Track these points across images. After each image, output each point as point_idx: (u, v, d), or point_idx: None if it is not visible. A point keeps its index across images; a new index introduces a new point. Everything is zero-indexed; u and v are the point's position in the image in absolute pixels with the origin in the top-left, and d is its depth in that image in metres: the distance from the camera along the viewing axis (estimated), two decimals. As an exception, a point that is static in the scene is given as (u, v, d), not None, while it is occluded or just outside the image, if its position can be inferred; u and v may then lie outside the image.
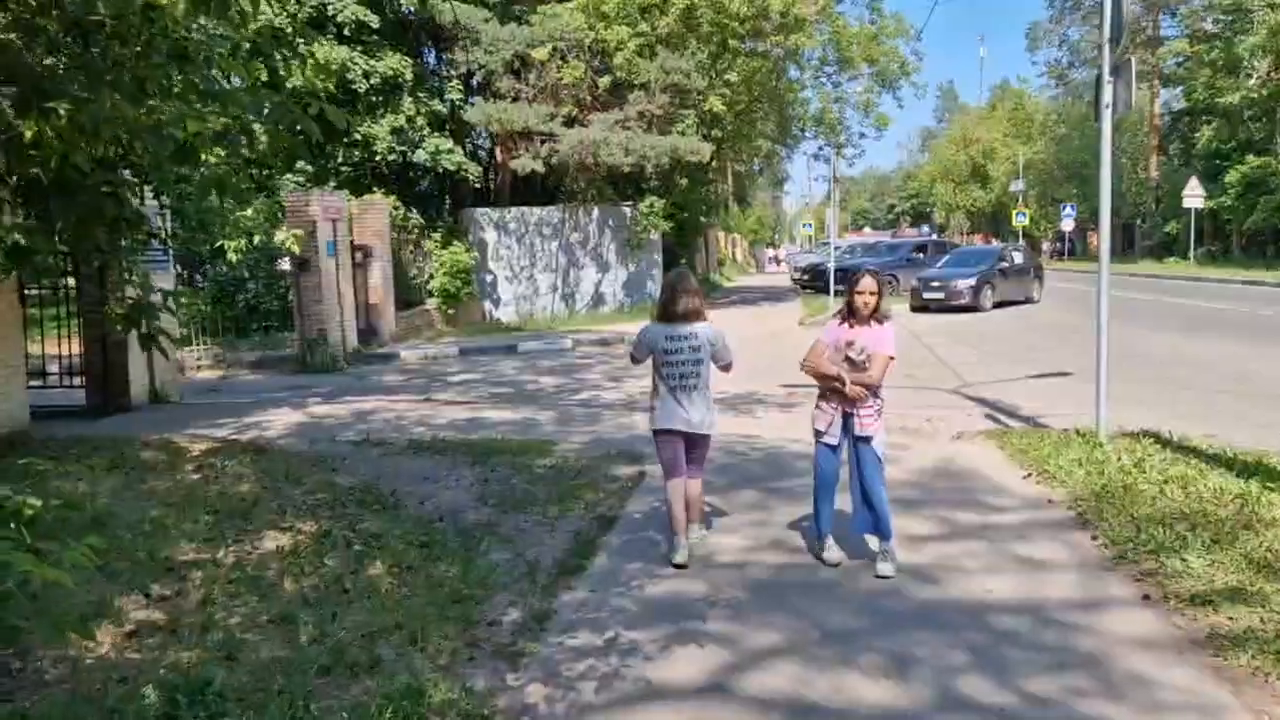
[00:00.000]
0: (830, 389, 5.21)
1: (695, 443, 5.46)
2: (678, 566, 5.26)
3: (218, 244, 10.86)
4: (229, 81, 3.37)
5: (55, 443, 8.73)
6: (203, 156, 3.00)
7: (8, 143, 2.93)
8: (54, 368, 11.55)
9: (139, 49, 3.14)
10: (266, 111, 2.72)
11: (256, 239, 9.50)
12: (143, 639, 4.37)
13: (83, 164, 2.86)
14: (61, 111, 2.50)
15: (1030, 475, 6.96)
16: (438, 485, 7.18)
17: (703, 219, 29.39)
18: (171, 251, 11.42)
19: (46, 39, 3.02)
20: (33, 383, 10.97)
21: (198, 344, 16.24)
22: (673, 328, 5.34)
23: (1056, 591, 4.74)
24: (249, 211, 9.41)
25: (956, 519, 6.02)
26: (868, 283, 5.16)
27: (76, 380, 11.16)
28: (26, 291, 10.23)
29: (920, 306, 22.38)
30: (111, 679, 3.94)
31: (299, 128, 3.01)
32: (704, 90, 22.52)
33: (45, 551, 2.89)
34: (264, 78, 3.27)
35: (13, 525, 2.97)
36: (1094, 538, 5.51)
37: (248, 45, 3.28)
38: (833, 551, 5.28)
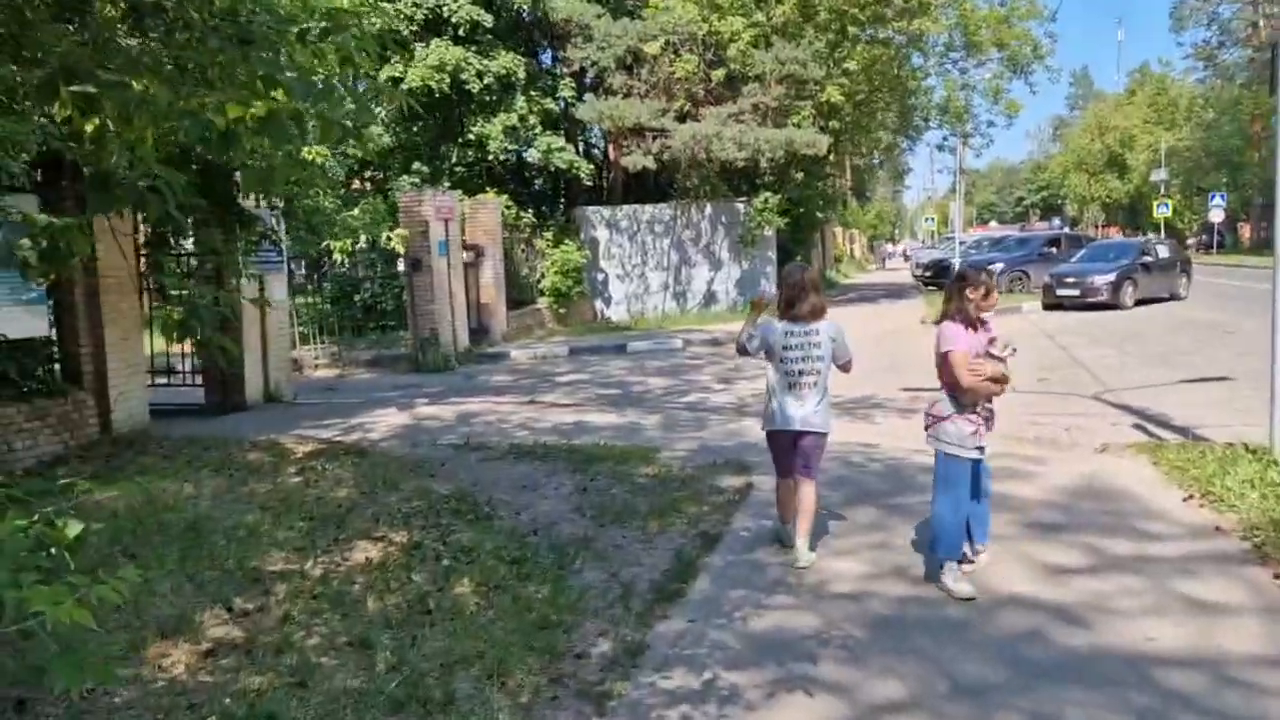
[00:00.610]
0: (985, 395, 4.83)
1: (810, 443, 5.26)
2: (785, 546, 5.35)
3: (323, 244, 10.84)
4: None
5: (170, 442, 8.83)
6: (247, 145, 2.68)
7: (70, 135, 2.72)
8: (187, 365, 11.76)
9: (198, 35, 2.89)
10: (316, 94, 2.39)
11: (363, 239, 9.40)
12: (218, 659, 4.16)
13: (146, 157, 2.61)
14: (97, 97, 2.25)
15: (1192, 497, 6.16)
16: (535, 494, 6.87)
17: (819, 214, 28.52)
18: (286, 252, 11.52)
19: (95, 21, 2.79)
20: (161, 381, 11.25)
21: (316, 343, 16.52)
22: (794, 324, 5.20)
23: (1236, 642, 4.05)
24: (355, 211, 9.32)
25: (1106, 548, 5.33)
26: (988, 282, 4.84)
27: (199, 379, 11.38)
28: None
29: (1053, 304, 21.09)
30: (180, 705, 3.72)
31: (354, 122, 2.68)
32: (821, 80, 21.76)
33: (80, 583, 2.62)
34: (335, 65, 2.96)
35: (51, 551, 2.72)
36: (1276, 576, 4.76)
37: (317, 27, 2.97)
38: (963, 584, 4.70)
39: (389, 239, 9.47)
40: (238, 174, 8.94)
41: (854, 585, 4.91)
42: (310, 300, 17.93)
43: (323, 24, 3.01)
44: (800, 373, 5.16)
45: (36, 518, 2.78)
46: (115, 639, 4.27)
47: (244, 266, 8.57)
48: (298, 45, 2.98)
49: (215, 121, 2.36)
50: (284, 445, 8.59)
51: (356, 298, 18.59)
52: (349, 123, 2.50)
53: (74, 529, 2.72)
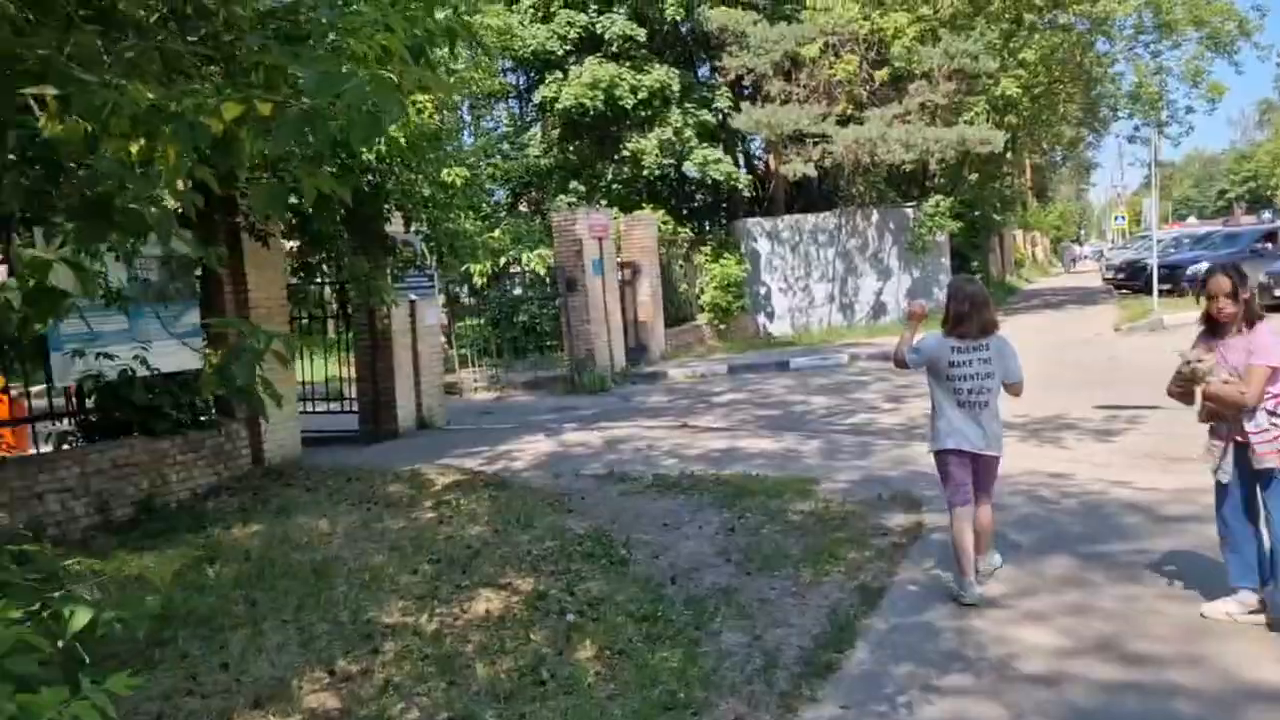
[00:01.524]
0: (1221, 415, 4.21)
1: (983, 465, 4.98)
2: (965, 604, 4.73)
3: (464, 268, 10.67)
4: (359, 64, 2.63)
5: (318, 473, 8.77)
6: (249, 150, 2.23)
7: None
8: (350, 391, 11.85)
9: (234, 36, 2.50)
10: (346, 89, 1.91)
11: (503, 261, 9.13)
12: (311, 732, 3.77)
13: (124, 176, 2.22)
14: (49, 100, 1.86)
15: None
16: (677, 533, 6.27)
17: (996, 217, 26.75)
18: (438, 276, 11.44)
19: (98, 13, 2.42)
20: (322, 408, 11.36)
21: (475, 366, 16.57)
22: (961, 341, 4.89)
23: None
24: (496, 233, 9.05)
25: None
26: (1219, 283, 4.16)
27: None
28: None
29: (1274, 305, 18.76)
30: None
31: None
32: (995, 73, 20.28)
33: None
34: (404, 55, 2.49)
35: (59, 644, 2.32)
36: None
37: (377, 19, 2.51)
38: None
39: (531, 260, 9.13)
40: (387, 203, 8.85)
41: (1048, 663, 4.03)
42: (471, 322, 18.12)
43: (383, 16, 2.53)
44: (969, 391, 4.87)
45: (40, 605, 2.40)
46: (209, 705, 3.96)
47: (388, 293, 8.41)
48: (352, 39, 2.51)
49: (209, 125, 1.90)
50: (425, 476, 8.35)
51: (516, 318, 18.67)
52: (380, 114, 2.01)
53: (82, 618, 2.32)
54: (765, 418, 11.04)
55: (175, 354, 8.48)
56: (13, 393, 8.31)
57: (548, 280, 16.19)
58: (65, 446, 7.88)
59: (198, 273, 8.82)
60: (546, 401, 14.34)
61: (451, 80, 8.78)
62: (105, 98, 1.83)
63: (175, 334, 8.49)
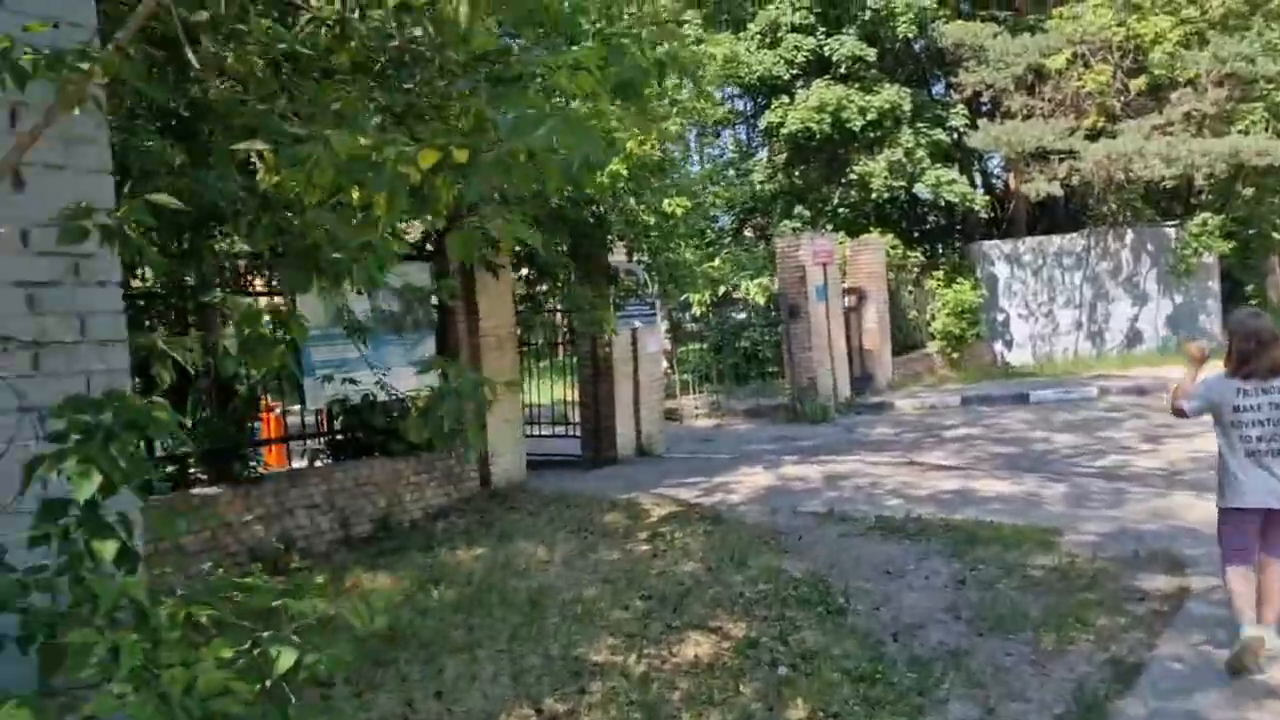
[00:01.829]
0: None
1: (1274, 521, 4.40)
2: (1234, 671, 4.15)
3: (682, 297, 10.66)
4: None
5: (540, 497, 8.98)
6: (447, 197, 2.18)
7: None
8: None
9: (446, 81, 2.51)
10: (541, 132, 1.82)
11: (722, 289, 9.04)
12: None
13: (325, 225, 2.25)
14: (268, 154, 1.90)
15: None
16: (901, 583, 5.87)
17: (1276, 235, 23.89)
18: (659, 304, 11.52)
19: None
20: (551, 431, 11.70)
21: (696, 392, 16.59)
22: (1247, 383, 4.40)
23: None
24: (716, 262, 8.97)
25: None
26: None
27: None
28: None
29: None
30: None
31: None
32: (1275, 77, 18.14)
33: None
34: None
35: (266, 684, 2.36)
36: None
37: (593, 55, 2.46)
38: None
39: (750, 290, 8.99)
40: (611, 233, 9.00)
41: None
42: (693, 348, 18.20)
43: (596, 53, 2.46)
44: (1258, 439, 4.36)
45: (250, 643, 2.45)
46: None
47: (609, 321, 8.51)
48: (565, 77, 2.45)
49: (408, 174, 1.88)
50: (642, 506, 8.34)
51: (738, 344, 18.57)
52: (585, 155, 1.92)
53: (287, 659, 2.34)
54: (1002, 456, 10.28)
55: (412, 379, 8.97)
56: (275, 411, 9.05)
57: (770, 306, 15.99)
58: (316, 464, 8.50)
59: (434, 303, 9.29)
60: (767, 430, 14.09)
61: (674, 110, 8.82)
62: (310, 150, 1.84)
63: (412, 361, 8.99)
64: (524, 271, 8.96)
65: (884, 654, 4.70)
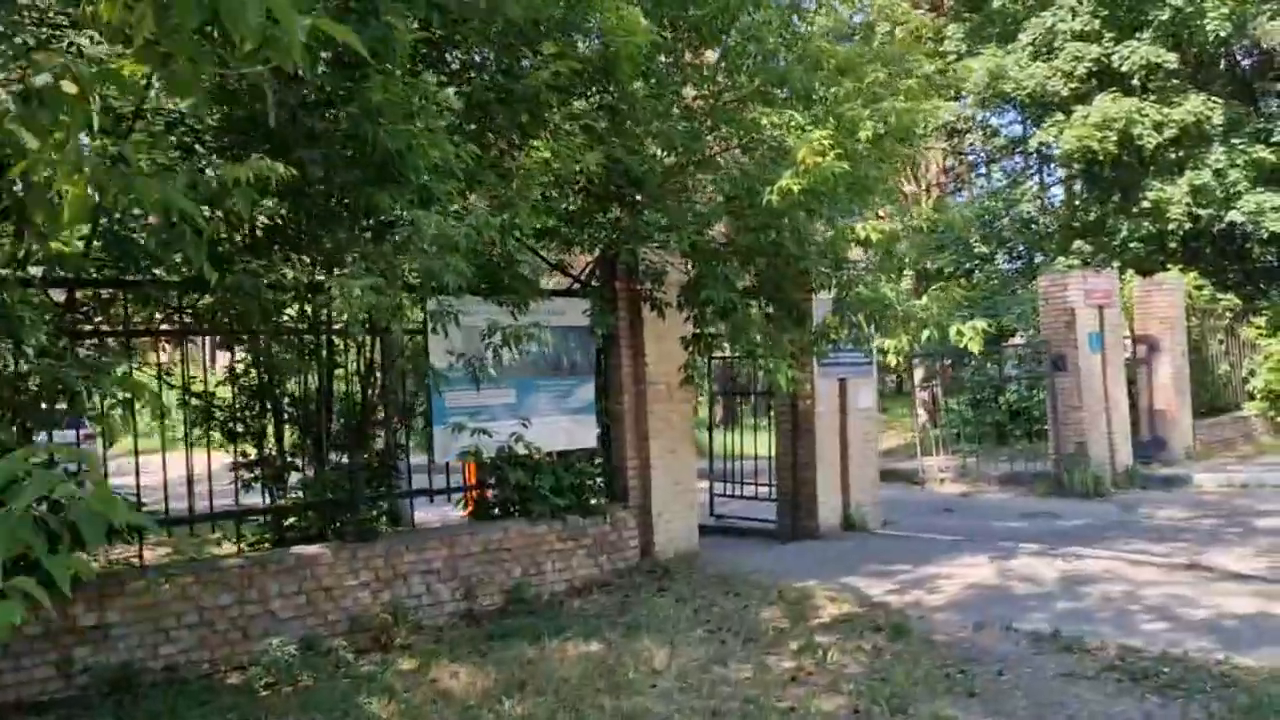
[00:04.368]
0: None
1: None
2: None
3: (875, 343, 8.89)
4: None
5: (703, 576, 7.65)
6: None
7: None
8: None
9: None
10: None
11: (926, 334, 7.27)
12: None
13: None
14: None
15: None
16: (1131, 773, 3.96)
17: None
18: (875, 352, 9.80)
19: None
20: (754, 493, 10.27)
21: (946, 451, 14.45)
22: None
23: None
24: (923, 300, 7.24)
25: None
26: None
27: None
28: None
29: None
30: None
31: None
32: None
33: None
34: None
35: None
36: None
37: None
38: None
39: (960, 333, 7.17)
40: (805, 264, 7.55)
41: None
42: (947, 403, 16.06)
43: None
44: None
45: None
46: None
47: (781, 370, 7.04)
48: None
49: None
50: (814, 600, 6.75)
51: (1000, 400, 16.13)
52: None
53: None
54: (1333, 565, 7.62)
55: (566, 431, 7.95)
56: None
57: (1038, 357, 13.63)
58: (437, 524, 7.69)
59: (597, 346, 8.25)
60: (1020, 502, 11.84)
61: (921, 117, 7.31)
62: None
63: (567, 409, 7.98)
64: (696, 311, 7.68)
65: None
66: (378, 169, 4.86)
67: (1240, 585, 6.86)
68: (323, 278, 4.16)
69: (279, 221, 5.63)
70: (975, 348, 6.92)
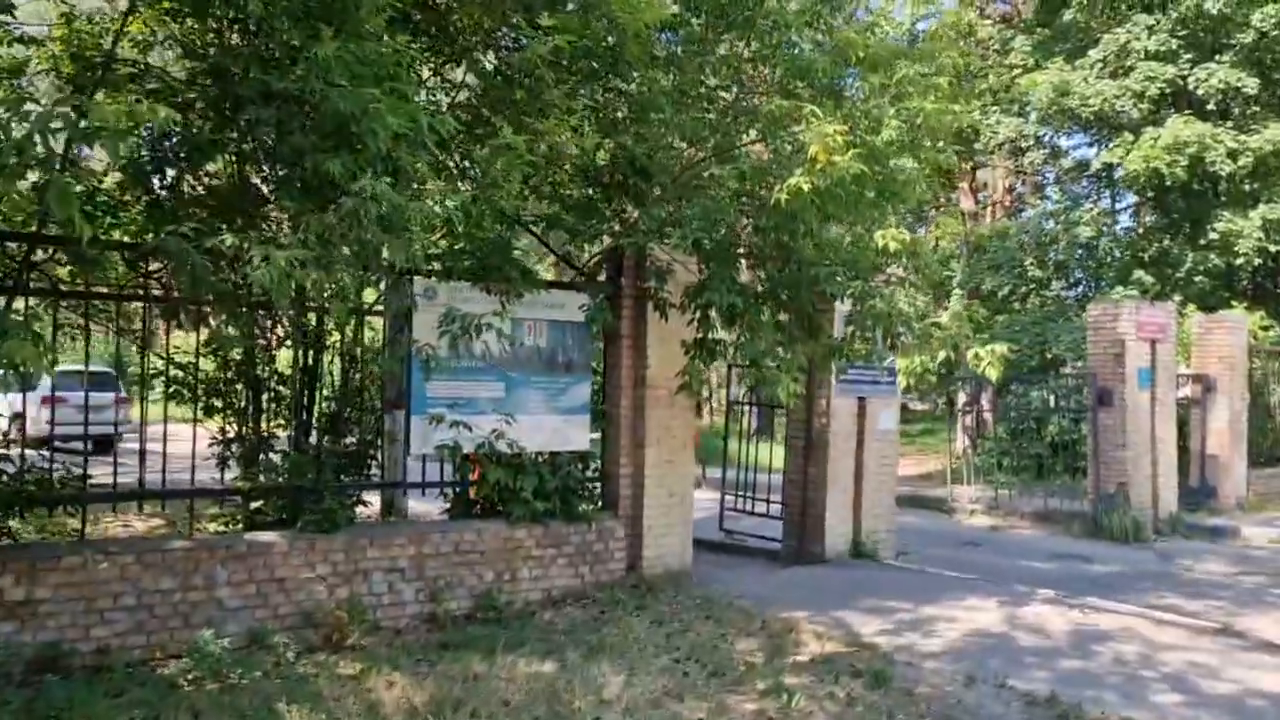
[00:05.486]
0: None
1: None
2: None
3: (886, 361, 8.29)
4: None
5: (687, 598, 7.16)
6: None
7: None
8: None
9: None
10: None
11: (940, 356, 6.71)
12: None
13: None
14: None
15: None
16: None
17: None
18: (899, 370, 9.23)
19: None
20: (764, 509, 9.78)
21: (978, 482, 13.76)
22: None
23: None
24: (943, 319, 6.69)
25: None
26: None
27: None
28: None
29: None
30: None
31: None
32: None
33: None
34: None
35: None
36: None
37: None
38: None
39: (977, 357, 6.61)
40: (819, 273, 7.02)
41: None
42: (996, 430, 15.35)
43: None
44: None
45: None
46: None
47: (783, 384, 6.54)
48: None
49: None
50: (798, 634, 6.25)
51: (1044, 431, 15.34)
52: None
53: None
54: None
55: (555, 431, 7.53)
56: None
57: (1083, 389, 12.88)
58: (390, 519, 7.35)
59: (598, 344, 7.83)
60: (1052, 542, 11.16)
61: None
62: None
63: (559, 409, 7.56)
64: (700, 314, 7.20)
65: None
66: (334, 134, 4.48)
67: (1275, 658, 6.19)
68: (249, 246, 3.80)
69: (230, 184, 5.30)
70: (993, 374, 6.35)
